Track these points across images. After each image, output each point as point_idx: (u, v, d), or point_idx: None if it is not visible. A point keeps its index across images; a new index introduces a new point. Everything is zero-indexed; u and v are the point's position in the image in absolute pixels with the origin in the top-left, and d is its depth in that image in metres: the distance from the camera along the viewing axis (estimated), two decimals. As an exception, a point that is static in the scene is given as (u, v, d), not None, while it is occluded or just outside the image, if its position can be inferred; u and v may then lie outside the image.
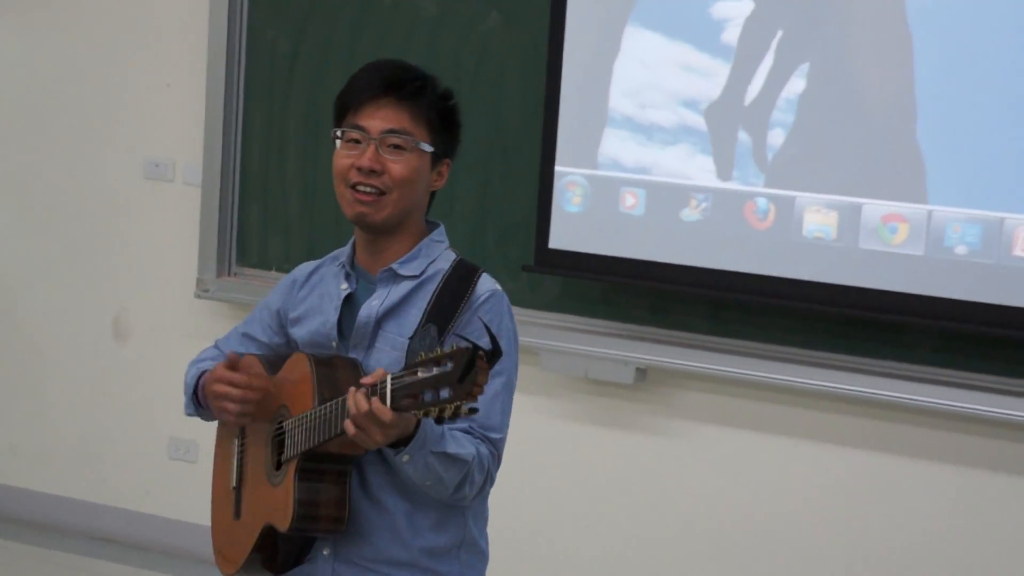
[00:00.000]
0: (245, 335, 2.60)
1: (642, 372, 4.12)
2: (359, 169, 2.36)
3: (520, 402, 4.15)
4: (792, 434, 4.05)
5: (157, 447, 4.80)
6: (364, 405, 2.14)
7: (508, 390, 2.40)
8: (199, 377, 2.54)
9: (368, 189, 2.36)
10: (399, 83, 2.38)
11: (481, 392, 2.04)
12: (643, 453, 4.21)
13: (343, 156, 2.39)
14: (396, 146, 2.37)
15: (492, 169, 4.19)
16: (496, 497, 4.14)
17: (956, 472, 3.90)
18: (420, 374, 2.06)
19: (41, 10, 4.83)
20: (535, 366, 4.17)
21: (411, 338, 2.26)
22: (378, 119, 2.36)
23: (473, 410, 2.06)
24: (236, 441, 2.54)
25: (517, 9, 4.15)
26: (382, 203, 2.37)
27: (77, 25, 4.79)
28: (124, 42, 4.74)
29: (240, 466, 2.53)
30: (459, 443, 2.30)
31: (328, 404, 2.26)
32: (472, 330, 2.33)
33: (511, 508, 4.27)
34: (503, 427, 2.40)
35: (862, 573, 4.00)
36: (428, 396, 2.06)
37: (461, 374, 2.03)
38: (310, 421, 2.29)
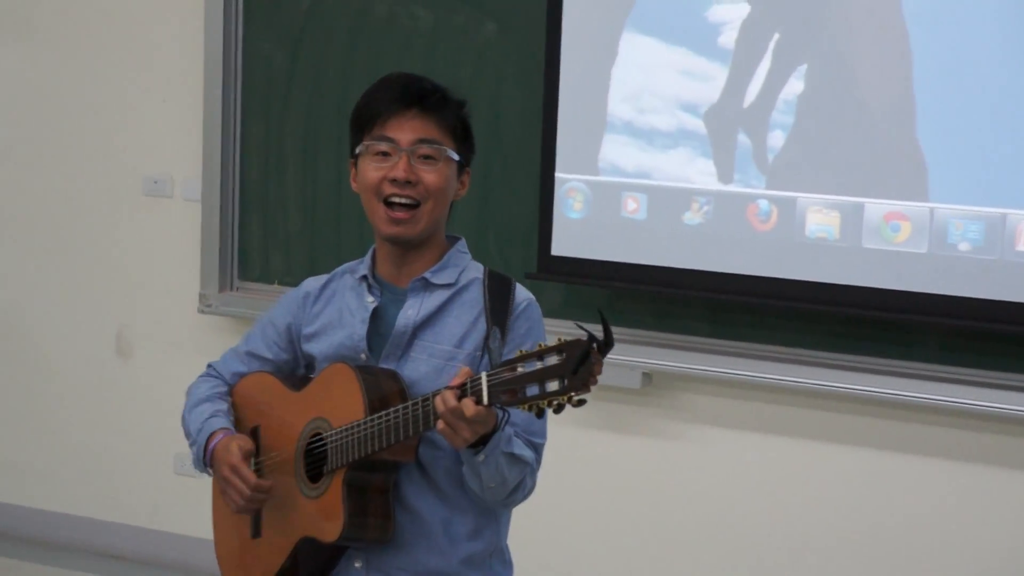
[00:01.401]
0: (249, 354, 2.59)
1: (648, 376, 4.12)
2: (393, 181, 2.36)
3: None
4: (799, 435, 4.05)
5: (163, 462, 4.79)
6: (453, 403, 2.16)
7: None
8: (209, 437, 2.51)
9: (404, 200, 2.36)
10: (423, 94, 2.39)
11: (595, 383, 2.07)
12: (651, 457, 4.22)
13: (373, 169, 2.39)
14: (427, 156, 2.37)
15: (493, 177, 4.19)
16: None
17: (964, 468, 3.90)
18: (520, 369, 2.07)
19: (36, 28, 4.83)
20: None
21: (485, 339, 2.29)
22: (407, 130, 2.37)
23: (582, 401, 2.09)
24: (251, 460, 2.52)
25: (513, 18, 4.15)
26: (417, 216, 2.38)
27: (73, 42, 4.79)
28: (120, 58, 4.74)
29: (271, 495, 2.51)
30: (520, 446, 2.33)
31: (395, 409, 2.26)
32: (511, 337, 2.36)
33: (521, 514, 4.28)
34: (544, 433, 2.42)
35: (872, 572, 4.00)
36: (532, 390, 2.07)
37: (576, 365, 2.04)
38: (365, 429, 2.29)
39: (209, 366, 2.65)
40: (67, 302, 4.91)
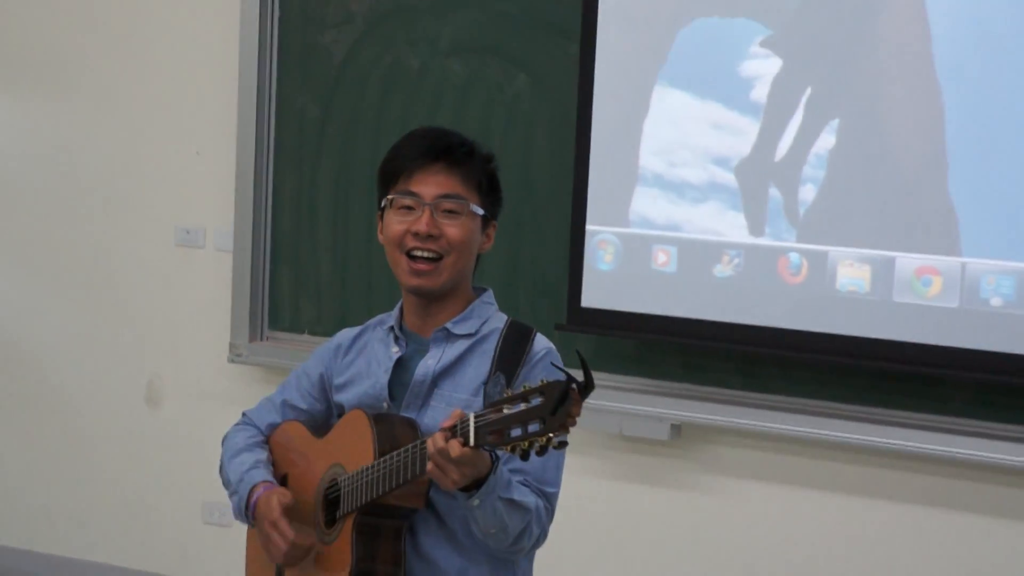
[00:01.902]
0: (284, 403, 2.62)
1: (677, 428, 4.11)
2: (415, 234, 2.39)
3: None
4: (829, 488, 4.04)
5: (191, 512, 4.80)
6: (441, 444, 2.16)
7: (561, 447, 2.41)
8: (251, 490, 2.52)
9: (426, 254, 2.38)
10: (448, 148, 2.42)
11: (574, 424, 2.09)
12: (680, 509, 4.20)
13: (396, 223, 2.42)
14: (450, 211, 2.40)
15: (523, 229, 4.21)
16: (535, 558, 4.08)
17: (996, 523, 3.88)
18: (505, 411, 2.10)
19: (72, 81, 4.88)
20: None
21: (485, 383, 2.31)
22: (431, 184, 2.40)
23: (563, 443, 2.11)
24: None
25: (545, 71, 4.17)
26: (439, 268, 2.40)
27: (108, 94, 4.83)
28: (154, 109, 4.78)
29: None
30: (522, 492, 2.34)
31: (396, 452, 2.28)
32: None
33: (548, 565, 4.26)
34: (557, 482, 2.44)
35: None
36: (515, 432, 2.09)
37: (554, 407, 2.06)
38: (372, 473, 2.31)
39: (244, 415, 2.68)
40: (98, 351, 4.93)
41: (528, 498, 2.34)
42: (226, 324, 4.63)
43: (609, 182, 4.04)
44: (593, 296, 4.05)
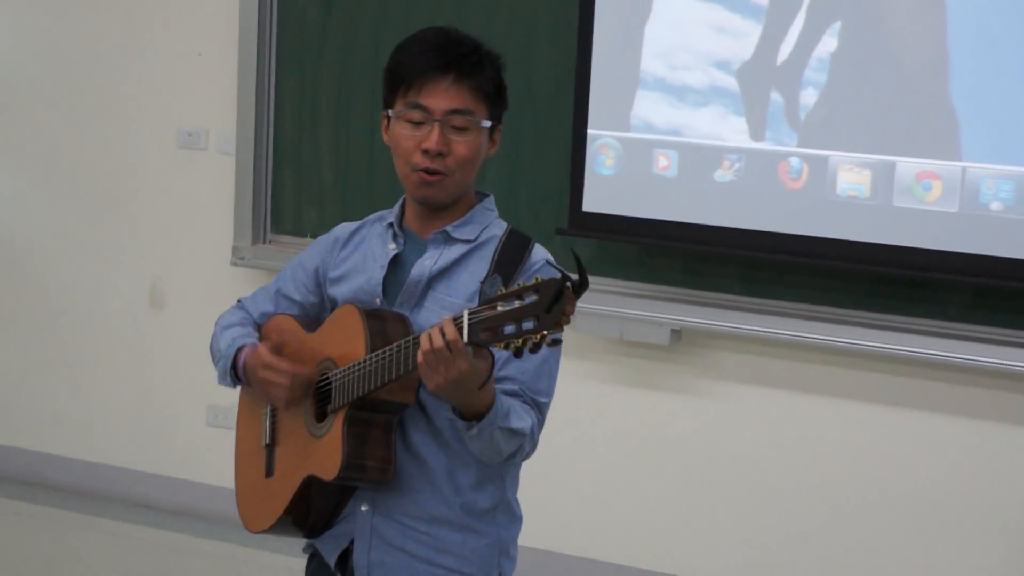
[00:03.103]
0: (279, 292, 2.61)
1: (677, 333, 4.14)
2: (425, 152, 2.37)
3: None
4: (826, 392, 4.07)
5: (195, 414, 4.85)
6: (438, 339, 2.17)
7: (555, 356, 2.42)
8: (237, 352, 2.54)
9: (434, 169, 2.37)
10: (458, 58, 2.37)
11: (568, 322, 2.07)
12: (679, 413, 4.24)
13: (405, 136, 2.39)
14: (459, 127, 2.37)
15: (524, 133, 4.21)
16: (534, 458, 4.13)
17: (994, 427, 3.92)
18: (499, 308, 2.09)
19: None
20: (570, 329, 4.13)
21: (482, 282, 2.27)
22: (441, 98, 2.36)
23: (557, 340, 2.10)
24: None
25: None
26: (446, 183, 2.39)
27: None
28: (155, 12, 4.77)
29: (273, 424, 2.55)
30: (519, 416, 2.33)
31: (388, 347, 2.28)
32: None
33: (549, 469, 4.28)
34: (550, 392, 2.42)
35: (896, 528, 4.03)
36: (509, 328, 2.08)
37: (549, 304, 2.05)
38: (364, 368, 2.31)
39: (239, 300, 2.68)
40: (101, 254, 4.96)
41: (524, 422, 2.34)
42: (229, 227, 4.66)
43: (610, 86, 4.04)
44: (594, 200, 4.07)
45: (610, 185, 4.06)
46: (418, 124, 2.38)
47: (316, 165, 4.51)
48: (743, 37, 3.91)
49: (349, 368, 2.36)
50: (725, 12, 3.92)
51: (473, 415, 2.26)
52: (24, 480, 5.10)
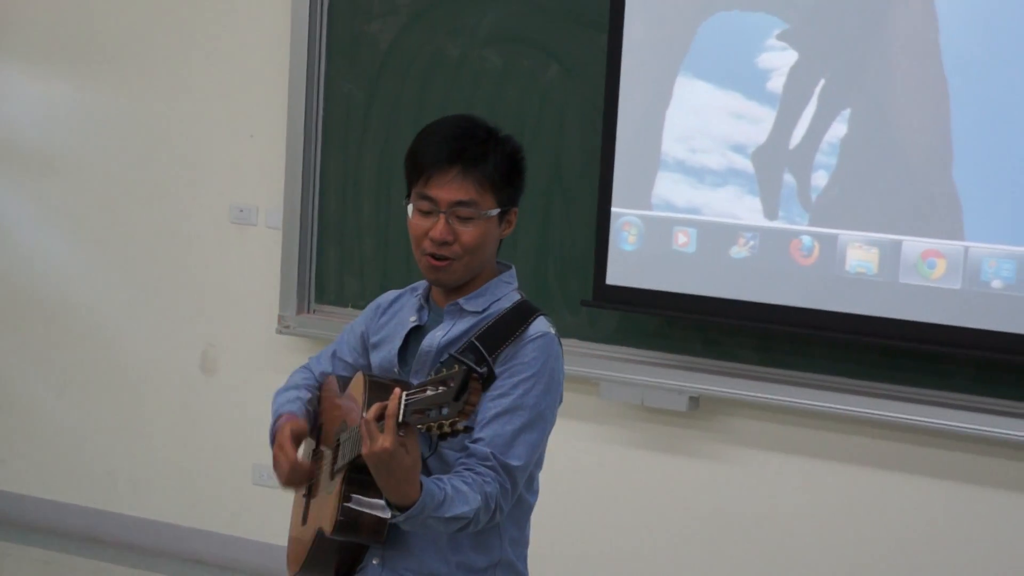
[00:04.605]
0: (334, 355, 2.72)
1: (695, 400, 4.19)
2: (432, 240, 2.46)
3: (580, 429, 4.33)
4: (837, 458, 4.11)
5: (242, 473, 4.89)
6: (373, 413, 2.25)
7: (536, 426, 2.45)
8: (279, 418, 2.64)
9: (441, 255, 2.47)
10: (463, 151, 2.44)
11: (473, 410, 2.13)
12: (697, 477, 4.28)
13: (416, 223, 2.48)
14: (464, 217, 2.45)
15: (553, 211, 4.31)
16: (558, 519, 4.29)
17: (997, 495, 3.96)
18: (428, 392, 2.16)
19: (136, 72, 4.97)
20: (594, 395, 4.28)
21: (452, 354, 2.33)
22: (446, 190, 2.44)
23: (468, 428, 2.17)
24: (301, 441, 2.65)
25: (576, 61, 4.26)
26: (454, 267, 2.47)
27: (168, 83, 4.92)
28: (211, 97, 4.86)
29: (312, 476, 2.65)
30: (463, 500, 2.34)
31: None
32: (513, 364, 2.43)
33: (569, 529, 4.37)
34: (523, 456, 2.42)
35: None
36: (432, 413, 2.15)
37: (456, 393, 2.13)
38: (355, 436, 2.40)
39: (308, 360, 2.80)
40: (157, 321, 5.01)
41: (467, 505, 2.34)
42: (275, 297, 4.73)
43: (633, 167, 4.13)
44: (617, 274, 4.15)
45: (632, 260, 4.14)
46: (427, 213, 2.46)
47: (358, 238, 4.59)
48: (758, 122, 4.00)
49: (349, 432, 2.45)
50: (741, 99, 4.02)
51: (399, 504, 2.29)
52: (82, 535, 5.14)
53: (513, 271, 2.59)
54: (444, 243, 2.46)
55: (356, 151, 4.61)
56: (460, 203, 2.45)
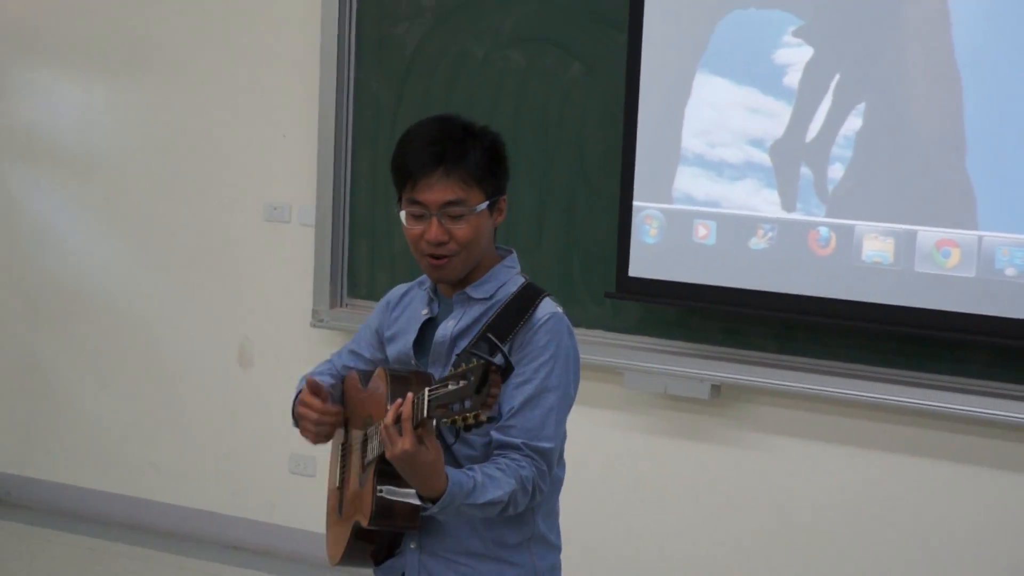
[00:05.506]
0: (352, 352, 2.79)
1: (717, 388, 4.26)
2: (428, 242, 2.51)
3: (605, 417, 4.41)
4: (857, 443, 4.16)
5: (279, 463, 4.98)
6: (391, 416, 2.31)
7: (563, 404, 2.50)
8: (299, 393, 2.72)
9: (439, 254, 2.52)
10: (444, 153, 2.47)
11: (495, 402, 2.18)
12: (719, 463, 4.34)
13: (410, 228, 2.53)
14: (454, 215, 2.48)
15: (577, 205, 4.38)
16: (583, 505, 4.36)
17: (1014, 477, 4.01)
18: (450, 387, 2.21)
19: (172, 75, 5.06)
20: (618, 384, 4.36)
21: (467, 348, 2.38)
22: (433, 193, 2.47)
23: (492, 419, 2.22)
24: (340, 447, 2.73)
25: (597, 60, 4.33)
26: (453, 263, 2.52)
27: (203, 86, 5.01)
28: (245, 99, 4.94)
29: (343, 469, 2.72)
30: (496, 485, 2.40)
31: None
32: (530, 350, 2.47)
33: (597, 515, 4.45)
34: (555, 437, 2.48)
35: (916, 570, 4.11)
36: (456, 407, 2.20)
37: (477, 386, 2.17)
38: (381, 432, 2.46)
39: (331, 355, 2.87)
40: (196, 317, 5.11)
41: (501, 490, 2.39)
42: (309, 292, 4.81)
43: (654, 162, 4.20)
44: (640, 266, 4.22)
45: (654, 252, 4.20)
46: (419, 217, 2.50)
47: (388, 234, 4.66)
48: (775, 117, 4.06)
49: (376, 426, 2.51)
50: (759, 94, 4.08)
51: (429, 497, 2.35)
52: (124, 523, 5.24)
53: (514, 255, 2.61)
54: (440, 243, 2.49)
55: (385, 149, 4.52)
56: (449, 203, 2.48)
